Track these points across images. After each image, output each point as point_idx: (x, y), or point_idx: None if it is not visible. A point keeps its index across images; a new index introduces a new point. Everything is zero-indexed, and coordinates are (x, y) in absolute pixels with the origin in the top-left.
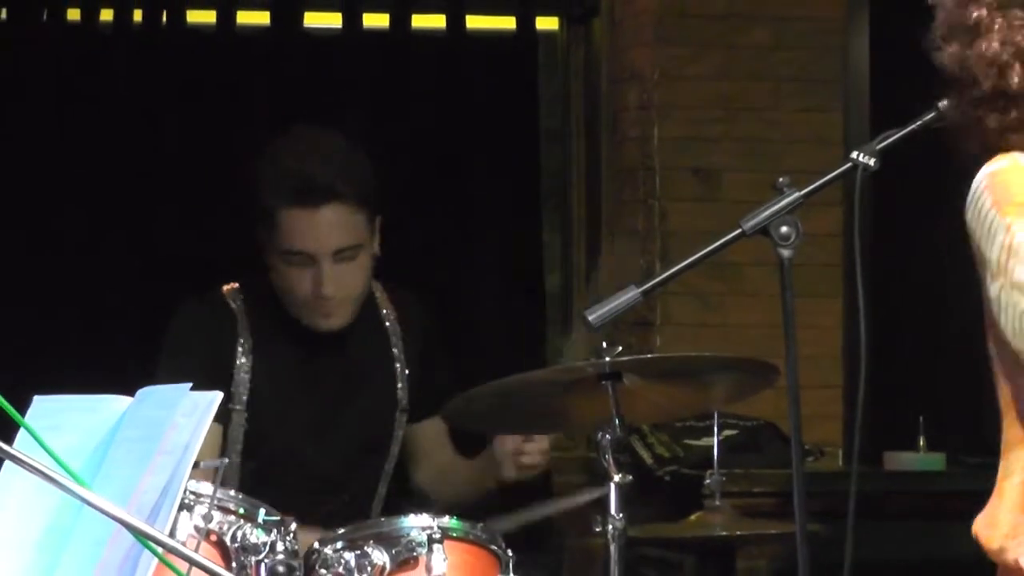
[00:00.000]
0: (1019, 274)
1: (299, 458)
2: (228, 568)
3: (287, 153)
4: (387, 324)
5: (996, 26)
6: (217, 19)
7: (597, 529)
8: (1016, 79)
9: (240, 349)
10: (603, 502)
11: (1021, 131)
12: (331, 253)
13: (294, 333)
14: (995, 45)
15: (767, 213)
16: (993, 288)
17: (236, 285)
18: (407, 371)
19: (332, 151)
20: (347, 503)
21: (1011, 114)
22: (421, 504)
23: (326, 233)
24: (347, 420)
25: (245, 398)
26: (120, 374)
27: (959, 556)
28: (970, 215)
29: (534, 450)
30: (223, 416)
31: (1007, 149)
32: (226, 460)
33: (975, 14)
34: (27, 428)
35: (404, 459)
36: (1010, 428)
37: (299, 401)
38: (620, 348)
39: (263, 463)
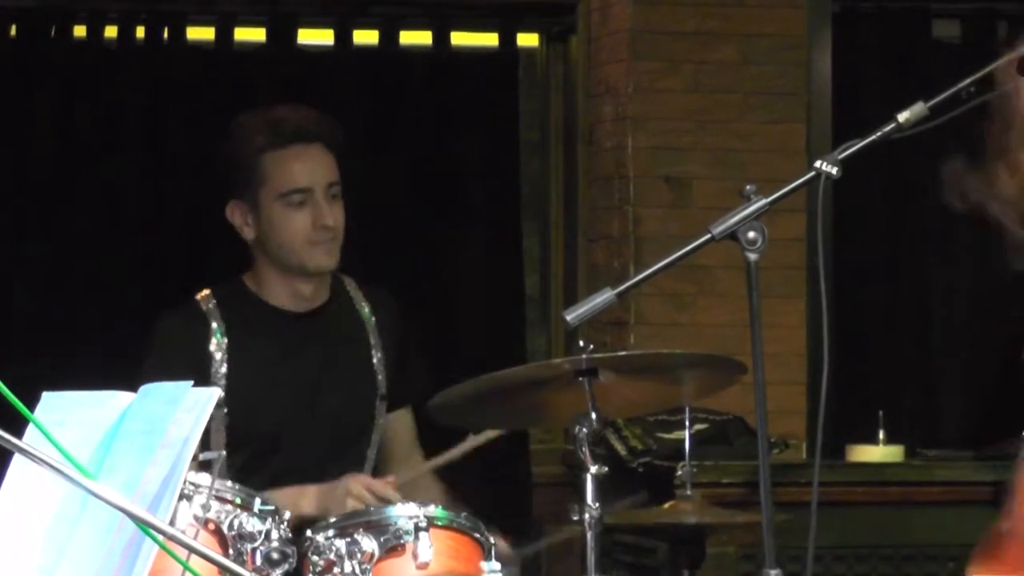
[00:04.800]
0: None
1: (283, 447)
2: (225, 555)
3: (269, 109)
4: (363, 315)
5: None
6: (216, 36)
7: (574, 517)
8: None
9: (216, 350)
10: (580, 491)
11: None
12: (325, 186)
13: (270, 328)
14: None
15: (735, 219)
16: None
17: (208, 292)
18: (384, 359)
19: (307, 109)
20: None
21: None
22: None
23: (319, 167)
24: (328, 408)
25: (223, 395)
26: (124, 369)
27: (917, 543)
28: None
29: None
30: None
31: None
32: (223, 452)
33: None
34: (35, 423)
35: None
36: None
37: (279, 393)
38: (592, 346)
39: (249, 456)
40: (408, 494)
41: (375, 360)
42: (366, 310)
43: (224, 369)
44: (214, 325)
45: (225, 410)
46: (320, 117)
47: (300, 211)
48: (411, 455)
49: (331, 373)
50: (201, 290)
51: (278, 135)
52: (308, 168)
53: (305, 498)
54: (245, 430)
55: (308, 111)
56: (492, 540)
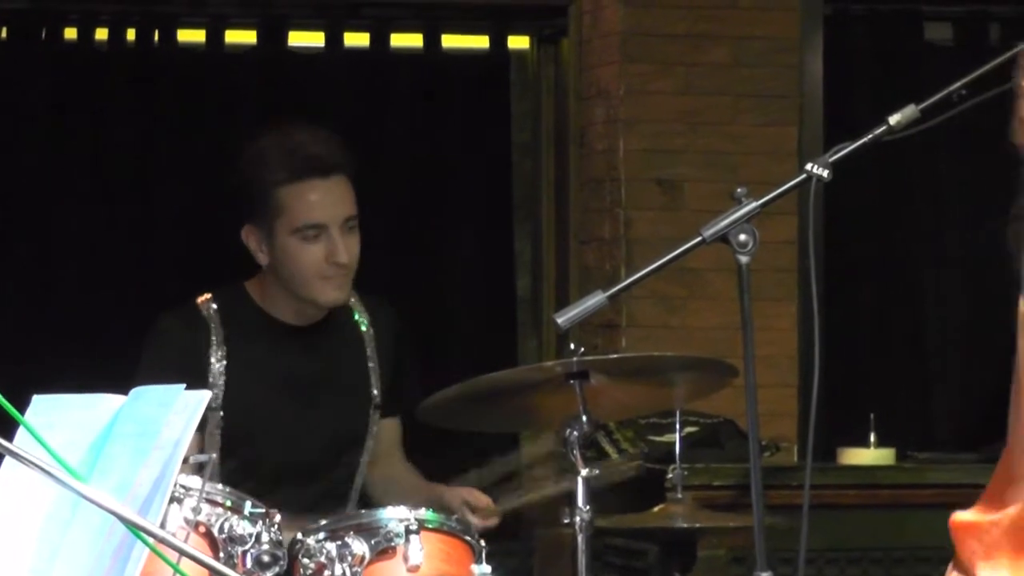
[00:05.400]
0: None
1: (277, 455)
2: (216, 558)
3: (288, 135)
4: (362, 328)
5: None
6: (207, 38)
7: (566, 520)
8: None
9: (214, 355)
10: (571, 494)
11: None
12: (341, 222)
13: (268, 336)
14: None
15: (726, 222)
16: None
17: (209, 296)
18: (380, 370)
19: (324, 133)
20: (326, 495)
21: None
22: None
23: (336, 202)
24: (323, 417)
25: (220, 401)
26: (115, 372)
27: (909, 546)
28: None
29: (486, 509)
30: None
31: None
32: (214, 455)
33: None
34: (26, 426)
35: None
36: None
37: (274, 400)
38: (583, 349)
39: (242, 461)
40: (394, 496)
41: (371, 372)
42: (364, 321)
43: (221, 374)
44: (213, 330)
45: (221, 414)
46: (339, 145)
47: (314, 244)
48: (393, 459)
49: (328, 382)
50: (200, 293)
51: (296, 168)
52: (325, 203)
53: None
54: (240, 435)
55: (327, 138)
56: (483, 543)
